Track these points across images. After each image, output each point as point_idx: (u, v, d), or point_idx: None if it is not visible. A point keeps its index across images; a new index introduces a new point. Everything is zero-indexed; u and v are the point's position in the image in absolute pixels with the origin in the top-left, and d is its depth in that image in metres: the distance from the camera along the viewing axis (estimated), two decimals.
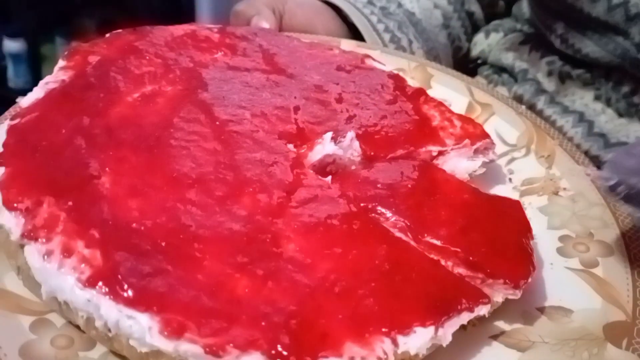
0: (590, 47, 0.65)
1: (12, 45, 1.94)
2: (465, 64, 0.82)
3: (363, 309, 0.37)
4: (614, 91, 0.65)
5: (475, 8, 0.83)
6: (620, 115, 0.65)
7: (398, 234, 0.43)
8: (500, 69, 0.77)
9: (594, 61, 0.65)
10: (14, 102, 0.51)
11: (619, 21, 0.60)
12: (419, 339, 0.37)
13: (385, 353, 0.35)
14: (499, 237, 0.44)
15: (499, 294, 0.42)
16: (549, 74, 0.70)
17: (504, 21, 0.82)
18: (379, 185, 0.46)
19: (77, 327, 0.38)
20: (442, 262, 0.42)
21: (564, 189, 0.54)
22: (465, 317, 0.39)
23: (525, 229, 0.46)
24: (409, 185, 0.46)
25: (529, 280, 0.42)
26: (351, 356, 0.35)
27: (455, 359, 0.40)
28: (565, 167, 0.56)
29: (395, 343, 0.36)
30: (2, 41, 1.95)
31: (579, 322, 0.43)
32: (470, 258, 0.42)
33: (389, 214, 0.44)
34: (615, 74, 0.65)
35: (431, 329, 0.37)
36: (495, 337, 0.42)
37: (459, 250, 0.42)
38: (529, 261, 0.43)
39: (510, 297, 0.42)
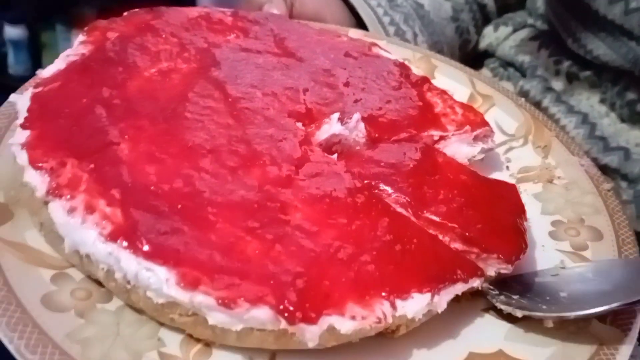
0: (602, 49, 0.66)
1: (13, 32, 1.96)
2: (472, 57, 0.84)
3: (365, 274, 0.39)
4: (619, 97, 0.67)
5: (488, 0, 0.84)
6: (623, 120, 0.67)
7: (399, 209, 0.46)
8: (507, 63, 0.78)
9: (603, 64, 0.66)
10: (14, 89, 0.52)
11: (634, 26, 0.61)
12: (416, 304, 0.39)
13: (384, 314, 0.38)
14: (494, 216, 0.46)
15: (492, 268, 0.44)
16: (557, 73, 0.72)
17: (515, 14, 0.83)
18: (382, 164, 0.49)
19: (95, 281, 0.40)
20: (440, 237, 0.45)
21: (559, 177, 0.57)
22: (459, 288, 0.42)
23: (519, 210, 0.48)
24: (411, 165, 0.49)
25: (521, 256, 0.45)
26: (352, 315, 0.37)
27: (450, 327, 0.43)
28: (561, 157, 0.59)
29: (393, 306, 0.38)
30: (3, 28, 1.96)
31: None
32: (467, 234, 0.44)
33: (390, 190, 0.47)
34: (623, 79, 0.67)
35: (427, 295, 0.40)
36: (487, 310, 0.45)
37: (456, 226, 0.45)
38: (521, 239, 0.46)
39: (502, 271, 0.44)
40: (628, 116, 0.66)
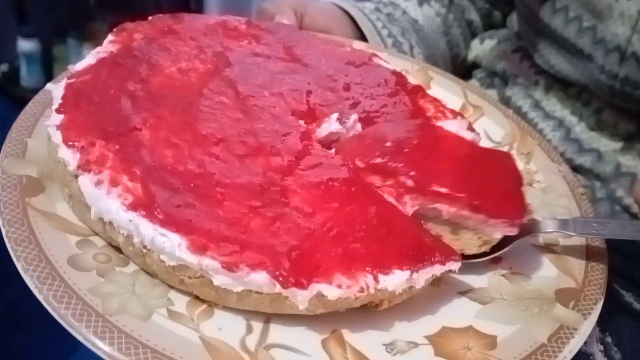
0: (563, 64, 0.71)
1: (26, 45, 1.99)
2: (462, 68, 0.90)
3: (352, 251, 0.44)
4: (585, 108, 0.72)
5: (475, 17, 0.91)
6: (592, 129, 0.72)
7: (389, 199, 0.51)
8: (493, 73, 0.84)
9: (566, 78, 0.72)
10: (26, 100, 0.57)
11: (586, 44, 0.67)
12: (396, 279, 0.44)
13: (367, 285, 0.43)
14: (496, 184, 0.51)
15: (498, 231, 0.49)
16: (536, 82, 0.77)
17: (499, 30, 0.90)
18: (387, 144, 0.53)
19: (115, 248, 0.46)
20: (445, 208, 0.50)
21: (538, 181, 0.62)
22: (437, 269, 0.46)
23: (517, 176, 0.53)
24: (414, 142, 0.54)
25: (524, 219, 0.50)
26: (339, 284, 0.42)
27: (429, 306, 0.48)
28: (541, 164, 0.64)
29: (376, 279, 0.44)
30: (16, 41, 1.99)
31: (534, 286, 0.50)
32: (474, 202, 0.49)
33: (399, 166, 0.51)
34: (585, 93, 0.72)
35: (407, 272, 0.45)
36: (463, 293, 0.50)
37: (464, 195, 0.50)
38: (522, 203, 0.51)
39: (507, 233, 0.49)
40: (595, 125, 0.71)
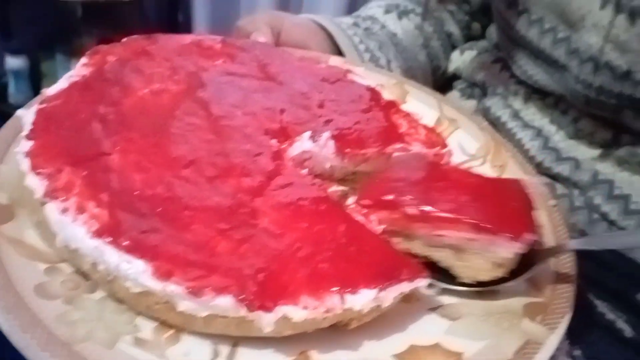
0: (540, 75, 0.72)
1: (14, 62, 1.97)
2: (443, 80, 0.91)
3: (319, 271, 0.45)
4: (562, 117, 0.73)
5: (454, 29, 0.91)
6: (571, 137, 0.72)
7: (358, 217, 0.51)
8: (473, 84, 0.85)
9: (543, 88, 0.72)
10: None
11: (561, 55, 0.67)
12: (363, 298, 0.44)
13: (333, 305, 0.43)
14: (501, 205, 0.51)
15: (506, 249, 0.49)
16: (515, 93, 0.78)
17: (479, 42, 0.90)
18: (395, 179, 0.54)
19: (82, 275, 0.46)
20: (450, 233, 0.50)
21: None
22: (405, 287, 0.47)
23: (526, 199, 0.53)
24: (420, 175, 0.55)
25: (533, 236, 0.49)
26: (305, 305, 0.43)
27: (398, 323, 0.48)
28: (514, 176, 0.64)
29: (342, 299, 0.44)
30: (4, 58, 1.98)
31: (503, 301, 0.51)
32: (477, 222, 0.49)
33: (404, 198, 0.51)
34: (562, 102, 0.73)
35: (374, 291, 0.45)
36: (433, 309, 0.50)
37: (466, 217, 0.50)
38: (529, 221, 0.50)
39: (516, 251, 0.49)
40: (574, 133, 0.72)
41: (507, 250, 0.49)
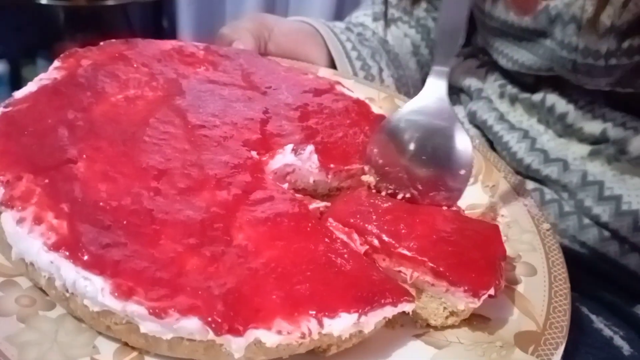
0: (525, 55, 0.71)
1: None
2: None
3: (296, 293, 0.41)
4: (550, 114, 0.71)
5: None
6: (560, 135, 0.71)
7: (340, 236, 0.48)
8: (459, 90, 0.83)
9: (530, 69, 0.71)
10: None
11: (544, 25, 0.67)
12: (343, 322, 0.41)
13: (309, 330, 0.40)
14: (469, 253, 0.48)
15: (461, 301, 0.46)
16: (501, 95, 0.77)
17: (464, 49, 0.89)
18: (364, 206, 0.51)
19: (41, 290, 0.42)
20: (409, 272, 0.47)
21: (502, 215, 0.60)
22: (388, 311, 0.43)
23: (496, 249, 0.49)
24: (394, 204, 0.52)
25: (490, 292, 0.46)
26: (279, 330, 0.39)
27: (382, 350, 0.45)
28: (506, 197, 0.62)
29: (320, 324, 0.40)
30: None
31: (494, 329, 0.47)
32: (436, 268, 0.46)
33: (369, 226, 0.49)
34: (549, 99, 0.71)
35: (355, 315, 0.41)
36: (418, 336, 0.47)
37: (426, 259, 0.46)
38: (493, 276, 0.46)
39: (470, 305, 0.46)
40: (562, 130, 0.70)
41: (462, 302, 0.46)
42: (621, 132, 0.65)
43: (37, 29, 1.94)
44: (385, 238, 0.48)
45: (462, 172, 0.53)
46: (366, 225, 0.49)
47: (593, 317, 0.58)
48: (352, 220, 0.49)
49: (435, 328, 0.47)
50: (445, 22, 0.53)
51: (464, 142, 0.52)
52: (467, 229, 0.51)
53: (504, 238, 0.55)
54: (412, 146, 0.54)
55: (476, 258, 0.48)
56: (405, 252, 0.47)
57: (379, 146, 0.55)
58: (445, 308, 0.47)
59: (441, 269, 0.46)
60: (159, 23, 1.98)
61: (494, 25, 0.74)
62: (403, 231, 0.49)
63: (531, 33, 0.69)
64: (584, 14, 0.62)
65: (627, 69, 0.62)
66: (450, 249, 0.48)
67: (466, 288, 0.46)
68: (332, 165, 0.56)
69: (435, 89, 0.54)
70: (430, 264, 0.46)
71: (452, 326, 0.47)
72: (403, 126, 0.54)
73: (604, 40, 0.61)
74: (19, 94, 0.54)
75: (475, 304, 0.46)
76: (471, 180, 0.64)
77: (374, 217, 0.50)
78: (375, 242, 0.48)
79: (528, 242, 0.56)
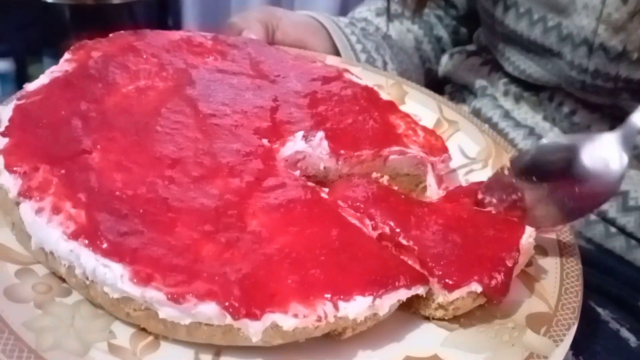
0: (532, 67, 0.71)
1: (0, 65, 1.94)
2: (434, 84, 0.89)
3: (311, 277, 0.42)
4: (557, 112, 0.71)
5: (443, 33, 0.90)
6: (566, 133, 0.71)
7: (353, 221, 0.49)
8: (463, 87, 0.83)
9: (537, 81, 0.71)
10: None
11: (553, 42, 0.67)
12: (358, 305, 0.42)
13: (325, 313, 0.40)
14: (468, 249, 0.47)
15: (440, 293, 0.45)
16: (506, 93, 0.77)
17: (467, 46, 0.89)
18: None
19: (58, 278, 0.43)
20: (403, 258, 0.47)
21: None
22: (402, 294, 0.44)
23: (505, 250, 0.47)
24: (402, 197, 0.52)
25: (462, 286, 0.45)
26: (295, 313, 0.40)
27: (393, 333, 0.46)
28: None
29: (336, 307, 0.41)
30: None
31: (505, 310, 0.48)
32: (422, 257, 0.46)
33: (374, 212, 0.49)
34: (557, 96, 0.71)
35: (369, 298, 0.42)
36: (430, 318, 0.47)
37: (416, 248, 0.47)
38: (479, 274, 0.45)
39: (445, 297, 0.45)
40: (568, 128, 0.71)
41: (440, 294, 0.45)
42: None
43: (43, 27, 1.94)
44: (393, 226, 0.48)
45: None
46: (370, 210, 0.49)
47: (600, 310, 0.59)
48: (362, 206, 0.50)
49: (427, 318, 0.47)
50: None
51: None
52: (483, 225, 0.50)
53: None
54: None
55: (473, 253, 0.47)
56: (404, 241, 0.47)
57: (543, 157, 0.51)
58: (434, 300, 0.46)
59: (428, 259, 0.46)
60: (164, 21, 1.98)
61: (502, 32, 0.74)
62: (412, 221, 0.49)
63: (539, 47, 0.69)
64: (596, 38, 0.62)
65: (634, 88, 0.62)
66: (450, 244, 0.47)
67: (440, 279, 0.45)
68: (342, 152, 0.57)
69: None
70: (419, 253, 0.46)
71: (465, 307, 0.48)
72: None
73: (615, 65, 0.61)
74: (31, 86, 0.55)
75: (448, 297, 0.45)
76: (480, 164, 0.64)
77: (384, 204, 0.50)
78: (387, 229, 0.48)
79: None
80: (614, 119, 0.67)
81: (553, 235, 0.55)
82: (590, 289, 0.58)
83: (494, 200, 0.52)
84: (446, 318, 0.47)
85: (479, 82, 0.81)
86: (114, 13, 1.82)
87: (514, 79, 0.75)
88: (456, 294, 0.45)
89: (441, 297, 0.46)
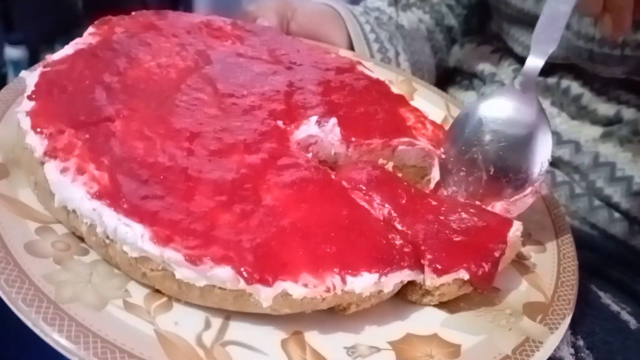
0: None
1: (14, 53, 1.97)
2: (445, 74, 0.91)
3: (321, 251, 0.44)
4: (565, 96, 0.73)
5: (454, 23, 0.92)
6: (573, 118, 0.72)
7: (362, 203, 0.50)
8: (473, 75, 0.85)
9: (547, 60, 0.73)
10: None
11: None
12: (364, 281, 0.43)
13: (333, 285, 0.42)
14: (460, 236, 0.48)
15: (427, 277, 0.47)
16: (515, 79, 0.78)
17: (477, 35, 0.91)
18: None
19: (77, 237, 0.45)
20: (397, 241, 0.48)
21: None
22: (406, 274, 0.46)
23: (495, 241, 0.49)
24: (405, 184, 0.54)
25: (451, 272, 0.46)
26: (305, 283, 0.42)
27: (395, 312, 0.47)
28: None
29: (344, 280, 0.43)
30: (3, 48, 1.99)
31: (503, 298, 0.50)
32: (414, 240, 0.48)
33: (375, 196, 0.50)
34: (564, 80, 0.73)
35: (375, 275, 0.44)
36: None
37: (409, 233, 0.48)
38: (468, 262, 0.47)
39: (432, 281, 0.46)
40: (576, 112, 0.72)
41: (428, 278, 0.47)
42: (635, 113, 0.67)
43: (56, 16, 1.95)
44: (390, 209, 0.50)
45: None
46: (370, 193, 0.51)
47: (601, 293, 0.60)
48: (364, 188, 0.51)
49: (413, 303, 0.48)
50: (553, 5, 0.54)
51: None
52: (475, 217, 0.51)
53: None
54: (489, 136, 0.54)
55: (463, 242, 0.48)
56: (399, 226, 0.49)
57: (457, 129, 0.57)
58: (421, 286, 0.47)
59: (420, 243, 0.47)
60: (175, 7, 2.00)
61: (509, 13, 0.75)
62: (407, 208, 0.50)
63: None
64: None
65: None
66: (443, 232, 0.49)
67: (430, 263, 0.46)
68: (353, 139, 0.58)
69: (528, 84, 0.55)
70: (412, 237, 0.48)
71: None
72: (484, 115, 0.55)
73: None
74: (56, 56, 0.57)
75: (435, 282, 0.46)
76: None
77: (386, 188, 0.52)
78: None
79: (538, 222, 0.58)
80: (620, 102, 0.69)
81: (552, 233, 0.57)
82: (591, 274, 0.60)
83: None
84: (432, 304, 0.48)
85: (489, 69, 0.82)
86: (127, 2, 1.83)
87: (523, 65, 0.77)
88: (444, 279, 0.47)
89: (429, 280, 0.47)
